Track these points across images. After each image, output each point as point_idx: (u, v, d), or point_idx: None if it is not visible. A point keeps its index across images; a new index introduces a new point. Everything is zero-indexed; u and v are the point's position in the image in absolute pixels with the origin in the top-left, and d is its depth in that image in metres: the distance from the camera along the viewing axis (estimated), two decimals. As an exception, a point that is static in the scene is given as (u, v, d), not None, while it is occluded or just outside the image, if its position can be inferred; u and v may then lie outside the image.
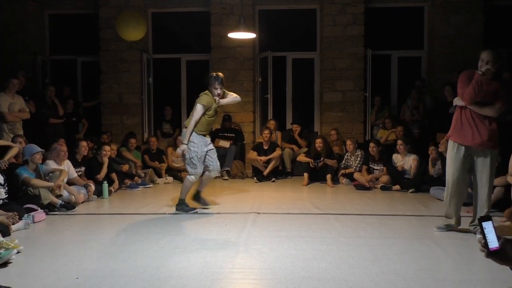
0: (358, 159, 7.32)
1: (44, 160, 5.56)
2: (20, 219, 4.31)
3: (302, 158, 7.71)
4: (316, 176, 7.52)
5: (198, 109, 5.03)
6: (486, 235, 1.48)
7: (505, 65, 8.73)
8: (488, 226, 1.49)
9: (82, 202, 5.69)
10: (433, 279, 2.97)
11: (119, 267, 3.23)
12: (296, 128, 8.56)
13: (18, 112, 6.44)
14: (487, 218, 1.52)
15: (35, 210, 4.75)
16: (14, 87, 6.39)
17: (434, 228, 4.27)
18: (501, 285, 2.81)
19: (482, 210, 4.07)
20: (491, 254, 1.47)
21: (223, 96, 5.21)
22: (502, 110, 4.05)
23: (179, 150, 5.14)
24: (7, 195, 4.74)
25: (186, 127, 5.11)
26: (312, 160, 7.47)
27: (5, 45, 8.83)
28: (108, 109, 9.13)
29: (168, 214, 5.13)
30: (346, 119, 8.91)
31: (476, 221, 4.00)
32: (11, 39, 8.84)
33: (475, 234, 3.98)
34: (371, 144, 7.17)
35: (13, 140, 5.82)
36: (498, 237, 1.49)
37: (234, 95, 5.37)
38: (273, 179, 7.75)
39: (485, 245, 1.48)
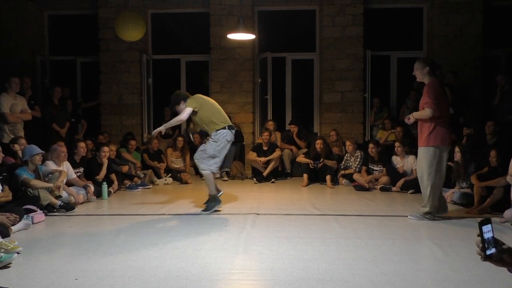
0: (358, 160, 7.32)
1: (43, 161, 5.56)
2: (19, 220, 4.31)
3: (301, 159, 7.71)
4: (316, 177, 7.52)
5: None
6: (484, 239, 1.48)
7: (503, 66, 8.79)
8: (487, 230, 1.49)
9: (81, 203, 5.69)
10: (433, 280, 2.97)
11: (118, 267, 3.23)
12: (294, 129, 8.56)
13: (20, 113, 6.43)
14: (486, 221, 1.51)
15: (34, 211, 4.74)
16: (16, 86, 6.38)
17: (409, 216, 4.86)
18: (500, 286, 2.81)
19: (424, 206, 4.74)
20: (488, 257, 1.47)
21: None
22: (429, 110, 4.54)
23: None
24: (2, 190, 4.73)
25: None
26: (311, 161, 7.47)
27: (4, 45, 8.82)
28: (108, 109, 9.13)
29: (168, 215, 5.13)
30: (346, 120, 8.92)
31: (423, 210, 4.75)
32: (10, 39, 8.85)
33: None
34: (371, 145, 7.17)
35: (14, 141, 5.80)
36: (497, 241, 1.48)
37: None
38: (272, 180, 7.75)
39: (482, 249, 1.48)
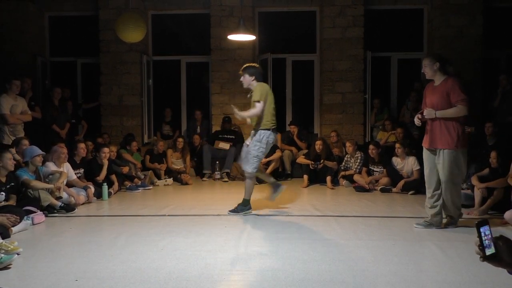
0: (358, 161, 7.32)
1: (44, 162, 5.56)
2: (20, 221, 4.31)
3: (301, 160, 7.70)
4: (316, 178, 7.51)
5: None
6: (483, 240, 1.49)
7: (503, 67, 8.79)
8: (485, 231, 1.50)
9: (81, 204, 5.68)
10: (433, 281, 2.97)
11: (118, 268, 3.23)
12: (294, 129, 8.55)
13: (20, 114, 6.43)
14: (484, 222, 1.53)
15: (34, 212, 4.74)
16: (17, 88, 6.38)
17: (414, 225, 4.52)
18: (501, 287, 2.81)
19: (456, 214, 4.40)
20: (487, 258, 1.48)
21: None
22: (465, 108, 4.17)
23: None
24: (6, 200, 4.74)
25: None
26: (312, 162, 7.46)
27: (5, 46, 8.83)
28: (108, 110, 9.14)
29: (168, 216, 5.13)
30: (346, 121, 8.92)
31: (431, 217, 4.38)
32: (11, 40, 8.85)
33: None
34: (371, 146, 7.16)
35: (17, 142, 5.79)
36: (494, 242, 1.50)
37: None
38: (272, 181, 7.73)
39: (481, 249, 1.49)
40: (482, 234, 1.50)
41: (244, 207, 5.12)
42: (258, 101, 4.92)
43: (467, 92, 4.18)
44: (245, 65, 5.27)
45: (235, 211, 5.11)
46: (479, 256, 1.50)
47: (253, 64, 5.29)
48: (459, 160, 4.22)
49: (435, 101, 4.29)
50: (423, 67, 4.40)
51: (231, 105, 5.23)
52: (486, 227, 1.51)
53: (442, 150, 4.25)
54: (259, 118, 5.02)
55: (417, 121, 4.43)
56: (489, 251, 1.48)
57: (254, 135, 5.08)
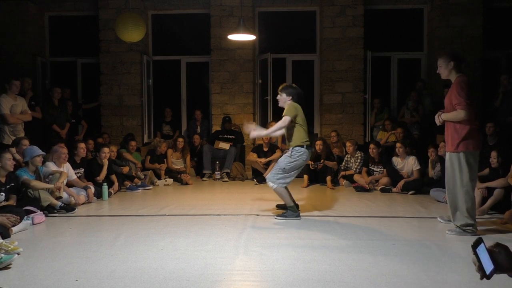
0: (358, 161, 7.32)
1: (44, 162, 5.56)
2: (20, 221, 4.31)
3: (302, 160, 7.70)
4: (316, 178, 7.51)
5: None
6: (481, 260, 1.49)
7: (503, 67, 8.79)
8: (481, 251, 1.50)
9: (81, 204, 5.68)
10: (433, 281, 2.97)
11: (118, 268, 3.23)
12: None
13: (20, 114, 6.43)
14: (478, 242, 1.52)
15: (34, 212, 4.74)
16: (17, 88, 6.39)
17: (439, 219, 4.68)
18: (501, 287, 2.81)
19: (458, 219, 4.16)
20: (489, 277, 1.48)
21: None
22: (462, 112, 3.98)
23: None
24: (6, 200, 4.74)
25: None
26: (312, 162, 7.46)
27: (5, 46, 8.84)
28: (108, 110, 9.14)
29: (168, 215, 5.13)
30: (346, 121, 8.92)
31: (459, 223, 4.15)
32: (11, 40, 8.87)
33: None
34: (371, 146, 7.17)
35: (17, 142, 5.79)
36: (490, 254, 1.49)
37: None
38: (273, 180, 7.72)
39: (480, 268, 1.49)
40: (480, 255, 1.49)
41: (293, 212, 4.96)
42: (286, 116, 4.86)
43: (468, 95, 4.00)
44: (284, 85, 5.13)
45: (283, 216, 4.95)
46: (480, 276, 1.49)
47: (292, 85, 5.15)
48: (461, 163, 4.06)
49: (445, 103, 4.21)
50: (438, 68, 4.24)
51: (247, 123, 5.03)
52: (482, 246, 1.50)
53: (447, 153, 4.23)
54: (290, 135, 4.94)
55: (437, 119, 4.28)
56: (489, 269, 1.47)
57: (289, 151, 4.98)
